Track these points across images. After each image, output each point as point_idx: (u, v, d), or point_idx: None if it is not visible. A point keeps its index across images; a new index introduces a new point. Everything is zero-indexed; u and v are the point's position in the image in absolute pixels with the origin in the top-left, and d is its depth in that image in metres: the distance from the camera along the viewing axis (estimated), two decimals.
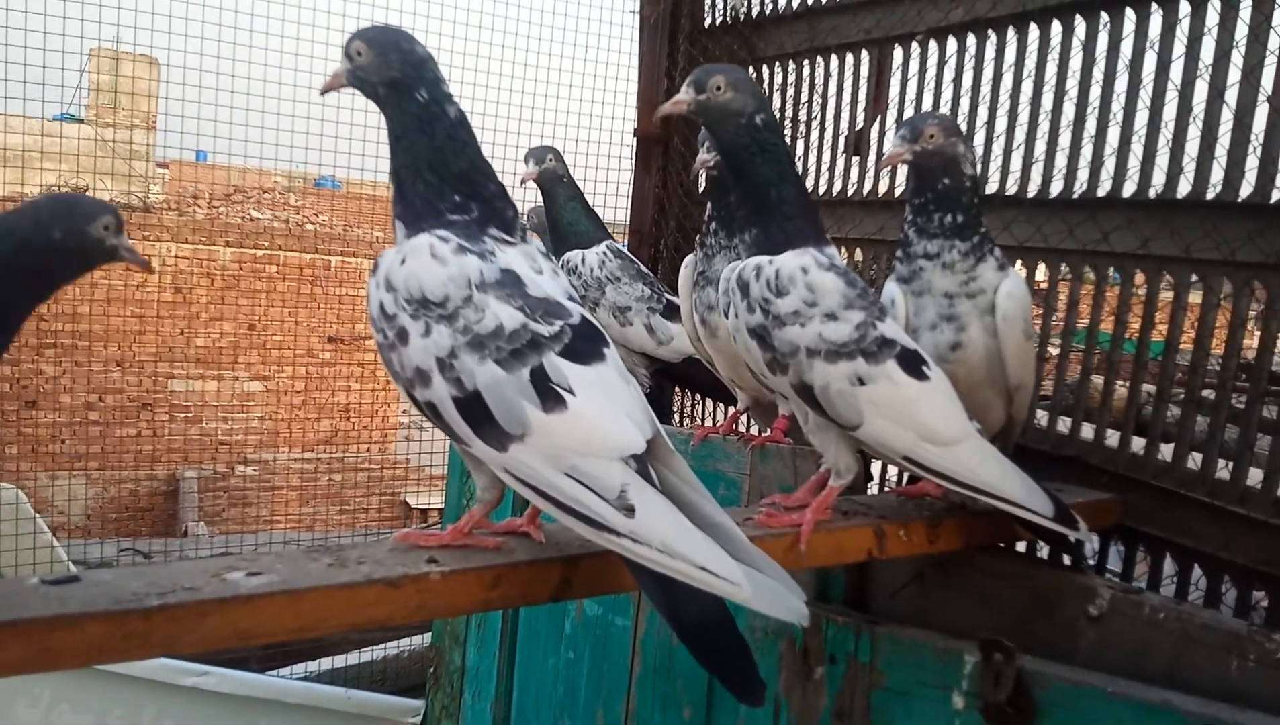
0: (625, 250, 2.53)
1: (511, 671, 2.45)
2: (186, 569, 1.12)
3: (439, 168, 1.22)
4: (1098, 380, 2.00)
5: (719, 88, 1.46)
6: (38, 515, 3.26)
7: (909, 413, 1.47)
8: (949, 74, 2.35)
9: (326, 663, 2.79)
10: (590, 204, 2.50)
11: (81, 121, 19.02)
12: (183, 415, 13.42)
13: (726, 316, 1.57)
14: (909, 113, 2.47)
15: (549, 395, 1.12)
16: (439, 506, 13.49)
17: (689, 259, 2.00)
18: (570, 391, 1.13)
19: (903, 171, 2.50)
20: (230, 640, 1.06)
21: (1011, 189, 2.17)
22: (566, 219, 2.43)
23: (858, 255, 2.57)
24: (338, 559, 1.19)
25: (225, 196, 15.36)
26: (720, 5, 3.05)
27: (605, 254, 2.42)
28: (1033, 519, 1.49)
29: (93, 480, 12.86)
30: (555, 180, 2.37)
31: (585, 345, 1.18)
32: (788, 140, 2.86)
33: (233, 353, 13.74)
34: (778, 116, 2.92)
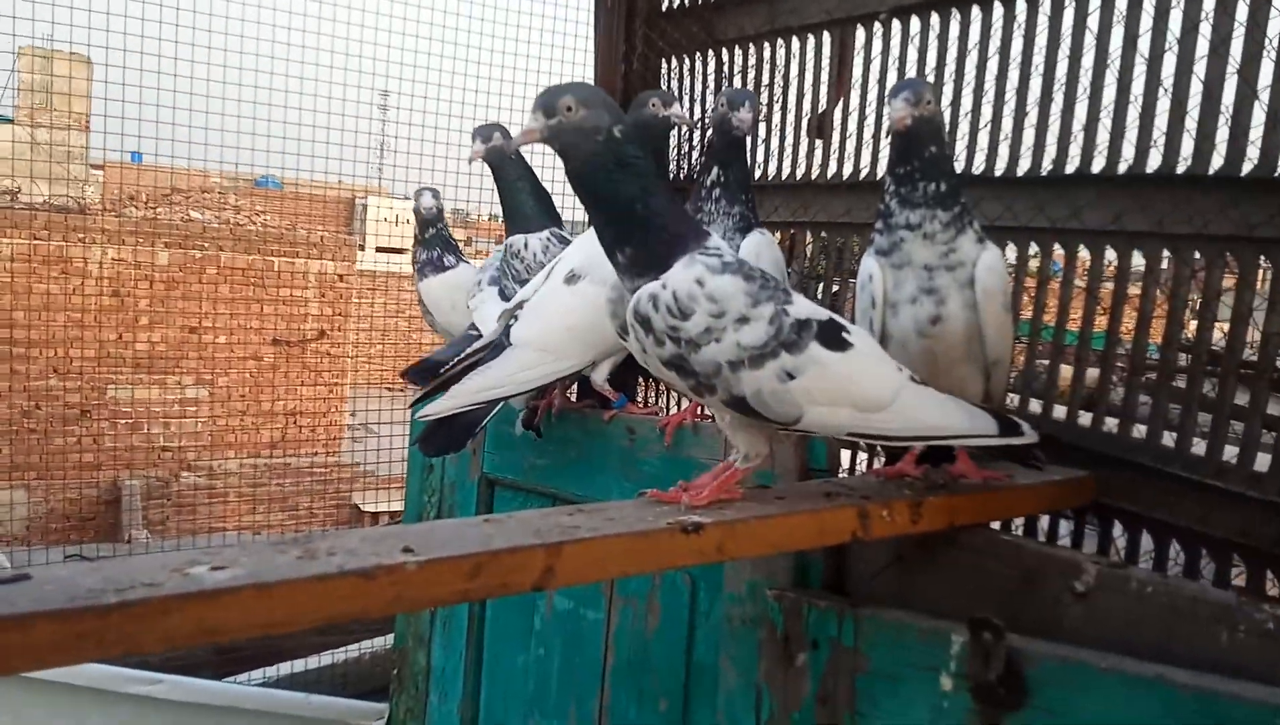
0: (570, 237, 2.47)
1: (479, 671, 2.38)
2: (146, 564, 1.05)
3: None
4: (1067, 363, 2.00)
5: (570, 108, 1.36)
6: None
7: (843, 389, 1.42)
8: (913, 54, 2.33)
9: (285, 667, 2.69)
10: (544, 186, 2.43)
11: (11, 122, 18.46)
12: (124, 422, 13.07)
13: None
14: (873, 95, 2.45)
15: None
16: (391, 509, 13.32)
17: None
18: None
19: (866, 154, 2.49)
20: (196, 638, 0.98)
21: (979, 167, 2.16)
22: (514, 200, 2.36)
23: (821, 239, 2.54)
24: (307, 550, 1.12)
25: (164, 197, 14.99)
26: None
27: (549, 240, 2.35)
28: (982, 444, 1.49)
29: (31, 489, 12.48)
30: (502, 158, 2.30)
31: None
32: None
33: (174, 357, 13.43)
34: None
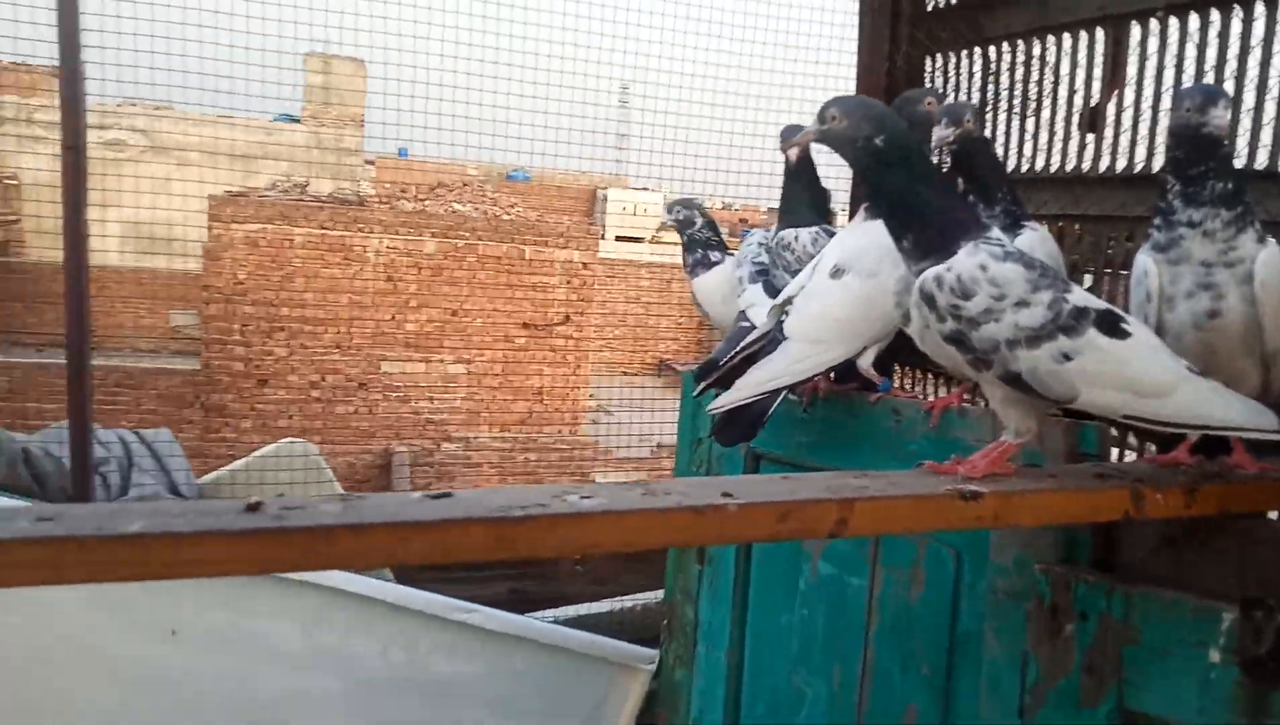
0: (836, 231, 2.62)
1: (744, 626, 2.61)
2: (531, 491, 1.33)
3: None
4: None
5: (834, 117, 1.59)
6: (325, 465, 3.70)
7: (1121, 374, 1.50)
8: (1190, 50, 2.33)
9: (570, 610, 3.05)
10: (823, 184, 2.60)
11: (298, 121, 20.64)
12: (394, 395, 14.37)
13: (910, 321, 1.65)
14: (1149, 91, 2.45)
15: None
16: None
17: None
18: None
19: (1142, 148, 2.50)
20: (575, 548, 1.26)
21: (1262, 164, 2.14)
22: (792, 196, 2.55)
23: (1091, 233, 2.57)
24: (649, 491, 1.37)
25: (430, 190, 16.27)
26: None
27: (818, 233, 2.52)
28: (1261, 438, 1.53)
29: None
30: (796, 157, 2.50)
31: None
32: (1016, 119, 2.90)
33: (438, 337, 14.60)
34: (1005, 96, 2.95)
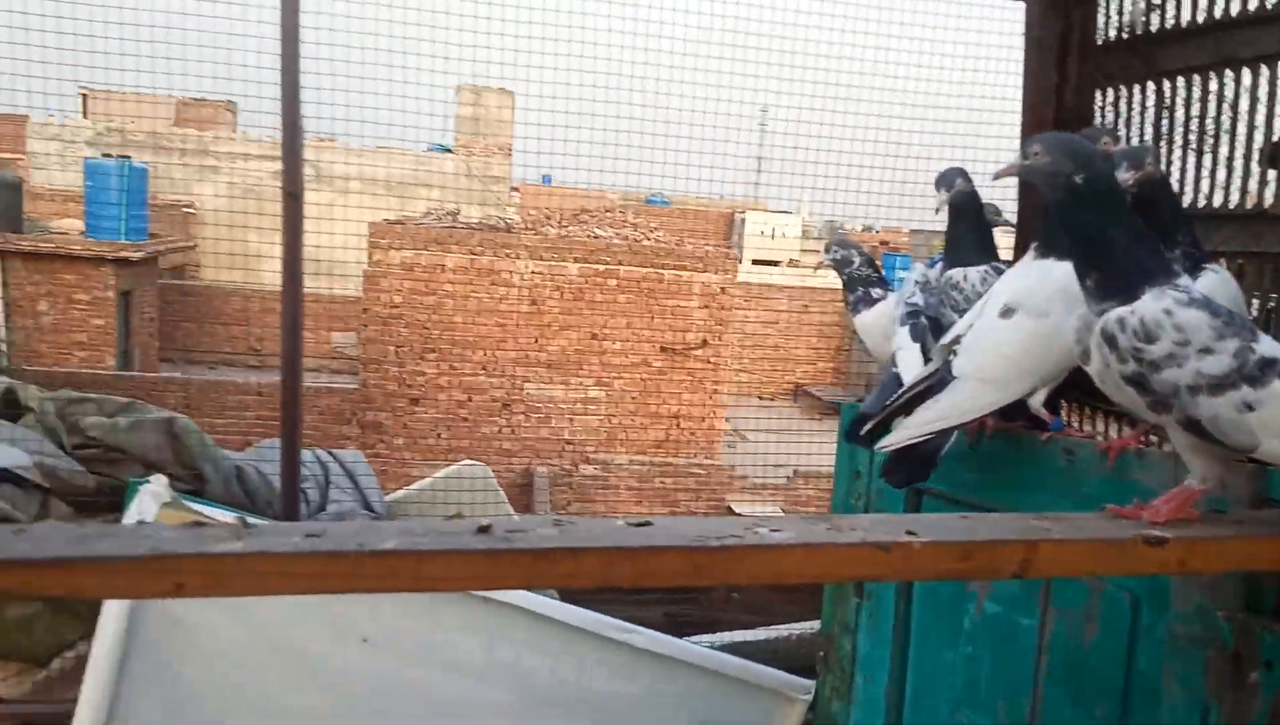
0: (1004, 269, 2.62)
1: (904, 661, 2.63)
2: (723, 523, 1.42)
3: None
4: None
5: (1036, 153, 1.63)
6: (498, 487, 3.90)
7: None
8: None
9: (726, 636, 3.12)
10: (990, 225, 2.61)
11: (450, 151, 21.55)
12: (536, 416, 14.78)
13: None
14: None
15: None
16: (763, 514, 13.89)
17: None
18: None
19: None
20: (763, 578, 1.34)
21: None
22: (960, 236, 2.56)
23: (1276, 270, 2.49)
24: (834, 525, 1.44)
25: (574, 216, 16.69)
26: (1115, 21, 3.05)
27: (987, 272, 2.52)
28: None
29: None
30: (963, 200, 2.52)
31: None
32: (1192, 154, 2.84)
33: (578, 360, 14.95)
34: (1180, 131, 2.89)
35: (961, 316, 2.38)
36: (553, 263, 14.93)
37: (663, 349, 15.37)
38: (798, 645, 3.14)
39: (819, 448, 15.14)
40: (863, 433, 2.27)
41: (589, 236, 15.62)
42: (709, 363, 15.65)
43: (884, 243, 23.59)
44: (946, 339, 2.29)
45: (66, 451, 2.82)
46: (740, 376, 19.89)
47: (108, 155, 16.28)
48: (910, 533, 1.43)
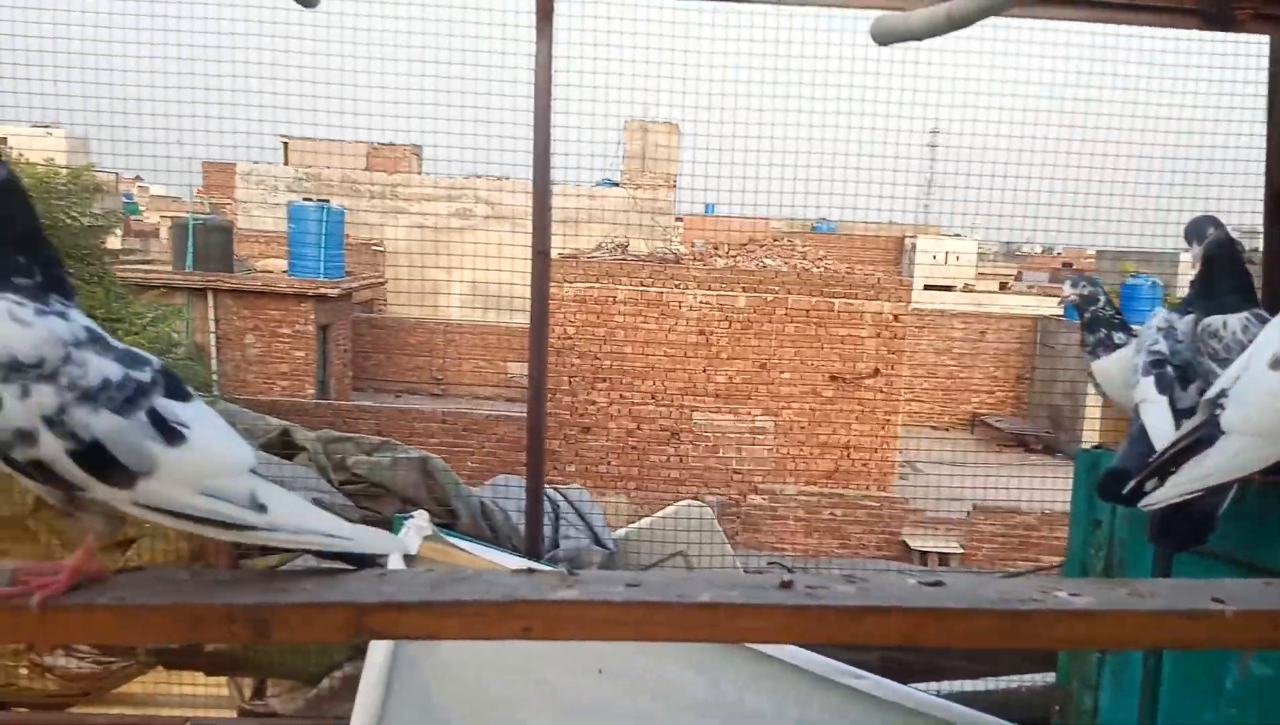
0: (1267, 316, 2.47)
1: (1153, 721, 2.51)
2: (1016, 585, 1.42)
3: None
4: None
5: None
6: (720, 528, 3.99)
7: None
8: None
9: (948, 685, 3.05)
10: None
11: (618, 185, 22.09)
12: (704, 445, 14.85)
13: None
14: None
15: (170, 432, 1.22)
16: (943, 550, 13.44)
17: None
18: (186, 426, 1.24)
19: None
20: (1072, 642, 1.33)
21: None
22: (1215, 282, 2.45)
23: None
24: (1133, 590, 1.41)
25: (742, 246, 16.75)
26: None
27: (1249, 320, 2.39)
28: None
29: (631, 499, 14.65)
30: (1218, 249, 2.42)
31: (177, 386, 1.28)
32: None
33: (746, 390, 14.94)
34: None
35: (1222, 367, 2.27)
36: (721, 293, 15.02)
37: (832, 378, 15.18)
38: (1029, 697, 3.04)
39: (999, 481, 14.57)
40: (1141, 477, 2.19)
41: (757, 266, 15.64)
42: (881, 392, 15.34)
43: (1067, 265, 22.58)
44: (1212, 393, 2.19)
45: (334, 487, 3.07)
46: (913, 406, 19.39)
47: (308, 199, 17.52)
48: (1217, 600, 1.38)
